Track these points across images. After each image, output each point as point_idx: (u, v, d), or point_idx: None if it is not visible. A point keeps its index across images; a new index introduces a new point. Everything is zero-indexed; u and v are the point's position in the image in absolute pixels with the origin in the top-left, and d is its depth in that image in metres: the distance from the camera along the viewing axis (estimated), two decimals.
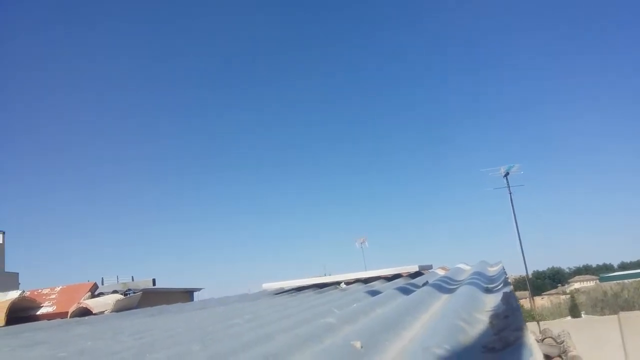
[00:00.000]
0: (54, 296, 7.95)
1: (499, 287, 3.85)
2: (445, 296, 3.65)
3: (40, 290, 8.23)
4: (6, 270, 44.67)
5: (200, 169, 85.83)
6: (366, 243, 30.59)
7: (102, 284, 12.52)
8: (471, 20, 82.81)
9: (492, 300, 3.00)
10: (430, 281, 5.04)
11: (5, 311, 6.46)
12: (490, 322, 2.10)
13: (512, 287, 3.79)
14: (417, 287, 4.71)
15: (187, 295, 15.77)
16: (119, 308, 7.28)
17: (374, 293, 4.72)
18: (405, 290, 4.28)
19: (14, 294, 7.46)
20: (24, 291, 8.07)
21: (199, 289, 17.18)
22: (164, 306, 6.87)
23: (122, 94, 73.48)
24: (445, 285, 4.39)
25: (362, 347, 1.82)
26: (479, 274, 5.17)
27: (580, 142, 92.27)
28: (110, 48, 69.61)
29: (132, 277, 15.35)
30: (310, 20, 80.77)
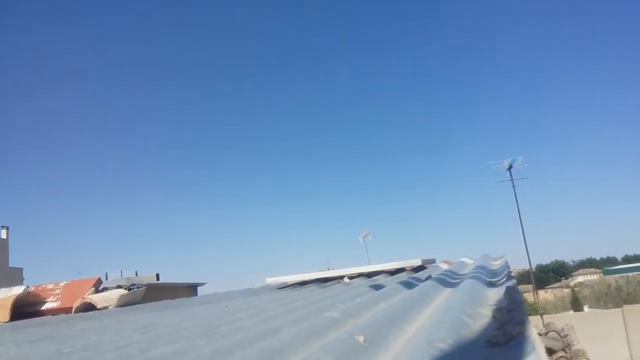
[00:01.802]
0: (58, 291, 7.98)
1: (502, 281, 3.85)
2: (448, 290, 3.66)
3: (44, 286, 8.26)
4: (10, 265, 44.89)
5: (203, 162, 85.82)
6: (369, 236, 30.61)
7: (106, 279, 12.55)
8: (473, 7, 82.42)
9: (495, 294, 3.00)
10: (433, 275, 5.04)
11: (10, 306, 6.49)
12: (493, 316, 2.11)
13: (515, 280, 3.79)
14: (421, 281, 4.72)
15: (190, 290, 15.83)
16: (123, 303, 7.31)
17: (377, 287, 4.73)
18: (408, 285, 4.28)
19: (18, 290, 7.49)
20: (28, 286, 8.10)
21: (202, 284, 17.26)
22: (168, 301, 6.90)
23: (124, 89, 73.41)
24: (449, 279, 4.40)
25: (365, 341, 1.82)
26: (482, 267, 5.17)
27: (585, 133, 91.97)
28: (110, 43, 69.61)
29: (136, 272, 15.40)
30: (311, 15, 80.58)
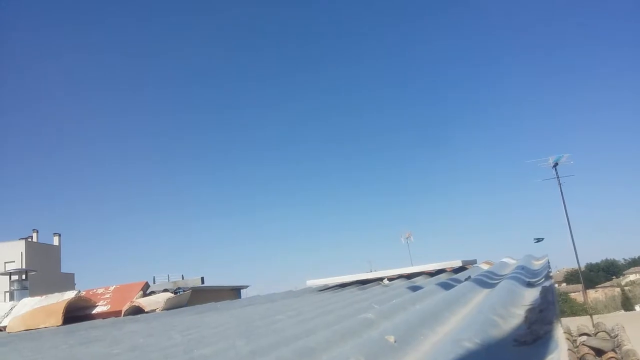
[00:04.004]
0: (108, 295, 8.27)
1: (541, 281, 3.83)
2: (485, 291, 3.66)
3: (95, 290, 8.58)
4: (62, 271, 46.43)
5: (247, 164, 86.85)
6: (411, 238, 30.48)
7: (154, 283, 12.94)
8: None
9: (532, 295, 3.00)
10: (473, 276, 5.03)
11: (62, 311, 6.78)
12: (525, 316, 2.13)
13: (553, 280, 3.76)
14: (459, 282, 4.72)
15: (234, 292, 16.09)
16: (170, 306, 7.53)
17: (415, 288, 4.75)
18: (446, 286, 4.30)
19: (70, 294, 7.81)
20: (79, 291, 8.43)
21: (245, 287, 17.50)
22: (212, 304, 7.08)
23: (160, 91, 75.06)
24: (487, 280, 4.38)
25: (395, 341, 1.88)
26: (522, 267, 5.12)
27: (632, 127, 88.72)
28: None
29: (182, 275, 15.79)
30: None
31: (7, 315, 8.03)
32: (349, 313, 3.27)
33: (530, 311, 2.19)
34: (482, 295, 3.45)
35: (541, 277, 4.21)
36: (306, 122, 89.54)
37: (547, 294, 2.56)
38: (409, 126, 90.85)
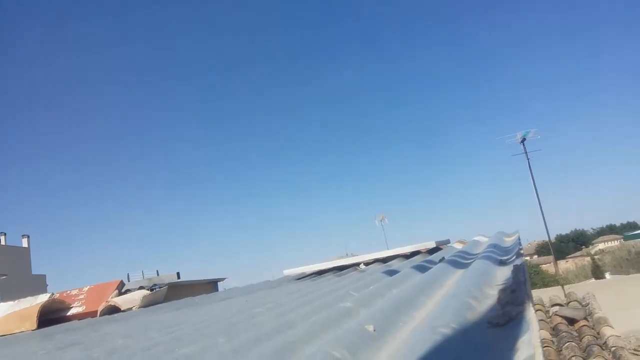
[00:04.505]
0: (82, 296, 8.17)
1: (513, 259, 3.92)
2: (459, 272, 3.74)
3: (69, 292, 8.46)
4: (33, 272, 45.58)
5: (216, 156, 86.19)
6: (386, 220, 30.67)
7: (128, 281, 12.80)
8: None
9: (504, 274, 3.07)
10: (446, 257, 5.12)
11: (36, 315, 6.67)
12: (498, 297, 2.19)
13: (523, 258, 3.86)
14: (434, 263, 4.80)
15: (211, 285, 16.06)
16: (146, 303, 7.47)
17: (391, 273, 4.82)
18: (421, 268, 4.37)
19: (43, 297, 7.69)
20: (53, 294, 8.30)
21: (222, 279, 17.48)
22: (190, 298, 7.06)
23: (131, 87, 73.78)
24: (461, 260, 4.47)
25: (374, 330, 1.92)
26: (494, 246, 5.23)
27: (599, 98, 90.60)
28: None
29: (157, 271, 15.68)
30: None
31: None
32: (327, 302, 3.31)
33: (503, 292, 2.25)
34: (456, 276, 3.52)
35: (512, 254, 4.31)
36: (280, 107, 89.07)
37: (518, 273, 2.63)
38: (382, 108, 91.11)
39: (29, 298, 7.93)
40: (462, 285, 2.68)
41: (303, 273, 7.72)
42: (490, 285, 2.63)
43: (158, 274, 14.22)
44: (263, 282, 7.83)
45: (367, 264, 7.56)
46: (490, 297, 2.30)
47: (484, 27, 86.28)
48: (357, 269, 7.29)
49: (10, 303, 8.06)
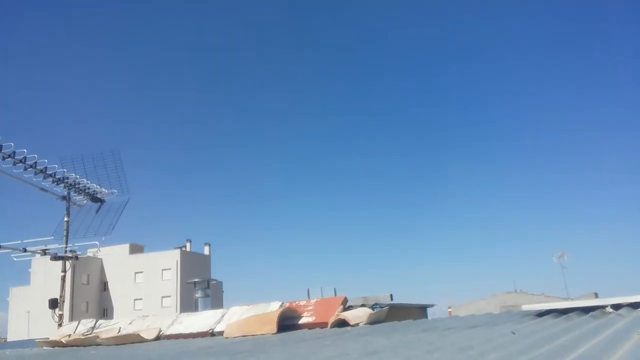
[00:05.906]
0: (310, 307, 8.52)
1: None
2: None
3: (297, 302, 8.90)
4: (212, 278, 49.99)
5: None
6: (566, 257, 26.95)
7: (309, 296, 13.20)
8: None
9: None
10: None
11: (276, 319, 7.14)
12: None
13: None
14: None
15: (421, 310, 15.82)
16: (372, 321, 7.54)
17: None
18: None
19: (275, 304, 8.20)
20: (283, 302, 8.81)
21: (432, 305, 17.12)
22: (420, 321, 6.91)
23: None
24: None
25: None
26: None
27: None
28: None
29: (335, 290, 16.03)
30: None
31: (219, 321, 8.65)
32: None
33: None
34: None
35: None
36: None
37: None
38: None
39: (261, 304, 8.52)
40: None
41: (541, 309, 7.05)
42: None
43: (336, 293, 14.42)
44: (485, 314, 7.34)
45: (614, 307, 6.65)
46: None
47: None
48: (603, 311, 6.45)
49: (245, 307, 8.75)
